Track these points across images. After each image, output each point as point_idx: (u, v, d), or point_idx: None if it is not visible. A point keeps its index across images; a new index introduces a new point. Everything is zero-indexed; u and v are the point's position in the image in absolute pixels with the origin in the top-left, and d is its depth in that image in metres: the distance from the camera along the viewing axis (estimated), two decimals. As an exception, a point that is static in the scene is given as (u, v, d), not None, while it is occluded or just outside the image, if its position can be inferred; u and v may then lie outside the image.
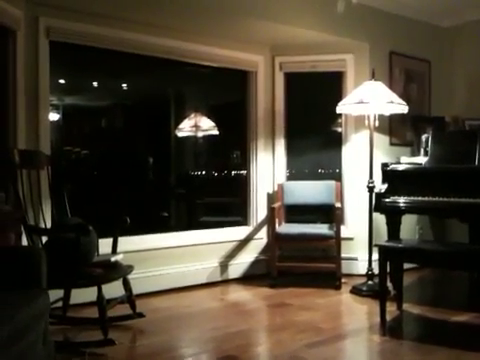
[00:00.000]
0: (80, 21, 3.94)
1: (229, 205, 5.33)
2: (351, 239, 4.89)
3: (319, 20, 4.71)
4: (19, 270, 2.34)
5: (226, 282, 4.72)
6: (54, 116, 4.19)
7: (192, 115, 5.32)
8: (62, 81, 4.25)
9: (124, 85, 4.85)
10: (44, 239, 3.30)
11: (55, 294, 3.17)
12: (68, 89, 4.43)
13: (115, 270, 3.25)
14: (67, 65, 4.16)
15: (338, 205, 4.63)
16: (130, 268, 3.37)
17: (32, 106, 3.78)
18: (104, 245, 3.48)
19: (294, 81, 5.16)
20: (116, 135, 4.72)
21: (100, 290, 3.01)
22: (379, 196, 4.11)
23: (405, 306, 3.78)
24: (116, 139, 4.68)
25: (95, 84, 4.66)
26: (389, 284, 3.78)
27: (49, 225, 3.52)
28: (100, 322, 3.02)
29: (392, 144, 5.17)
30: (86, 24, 3.98)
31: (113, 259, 3.31)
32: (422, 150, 5.01)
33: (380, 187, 4.17)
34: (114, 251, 3.47)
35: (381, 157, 4.74)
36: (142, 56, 4.39)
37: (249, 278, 4.81)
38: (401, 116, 4.72)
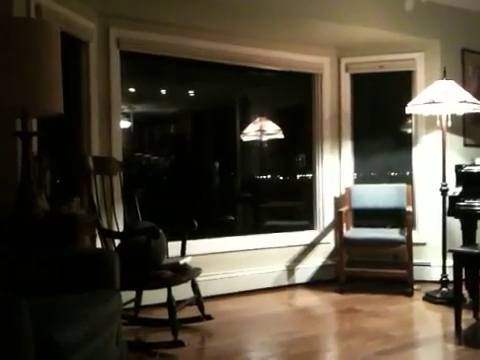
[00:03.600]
0: (148, 31, 4.06)
1: (295, 209, 5.30)
2: (423, 244, 4.71)
3: (386, 18, 4.59)
4: (93, 272, 2.42)
5: (293, 286, 4.68)
6: (125, 124, 4.34)
7: (257, 119, 5.34)
8: (132, 90, 4.39)
9: (191, 92, 4.96)
10: (117, 242, 3.41)
11: (127, 295, 3.27)
12: (138, 97, 4.57)
13: (184, 273, 3.31)
14: (137, 74, 4.30)
15: (409, 209, 4.48)
16: (198, 271, 3.42)
17: (105, 114, 3.93)
18: (173, 248, 3.55)
19: (361, 82, 5.06)
20: (184, 141, 4.83)
21: (170, 292, 3.08)
22: (453, 199, 3.95)
23: (481, 315, 3.60)
24: (184, 145, 4.78)
25: (163, 92, 4.78)
26: (464, 291, 3.60)
27: (121, 229, 3.63)
28: (170, 323, 3.08)
29: (466, 145, 4.94)
30: (154, 33, 4.09)
31: (182, 262, 3.38)
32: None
33: (454, 190, 4.00)
34: (183, 254, 3.54)
35: (455, 159, 4.53)
36: (208, 63, 4.47)
37: (316, 283, 4.75)
38: (476, 116, 4.50)
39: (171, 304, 3.08)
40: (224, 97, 5.02)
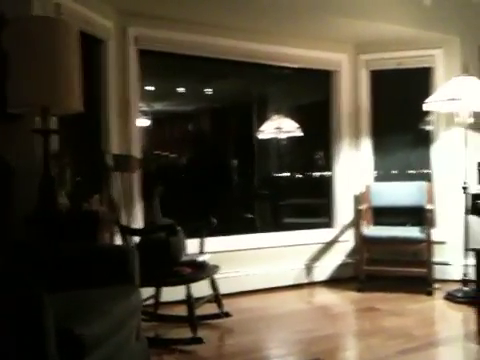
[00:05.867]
0: (166, 29, 4.08)
1: (313, 206, 5.27)
2: (444, 243, 4.65)
3: (405, 14, 4.54)
4: (113, 268, 2.44)
5: (312, 284, 4.66)
6: (144, 121, 4.36)
7: (275, 116, 5.32)
8: (151, 88, 4.41)
9: (209, 89, 4.96)
10: (137, 239, 3.43)
11: (146, 292, 3.28)
12: (157, 95, 4.59)
13: (203, 270, 3.32)
14: (155, 72, 4.32)
15: (429, 207, 4.42)
16: (217, 268, 3.43)
17: (123, 112, 3.96)
18: (192, 245, 3.56)
19: (380, 79, 5.01)
20: (202, 138, 4.84)
21: (189, 289, 3.09)
22: (474, 197, 3.88)
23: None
24: (202, 142, 4.79)
25: (182, 90, 4.80)
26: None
27: (141, 226, 3.65)
28: (189, 320, 3.09)
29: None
30: (171, 31, 4.10)
31: (200, 259, 3.38)
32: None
33: (475, 188, 3.93)
34: (201, 251, 3.54)
35: (476, 156, 4.46)
36: (226, 60, 4.47)
37: (335, 281, 4.72)
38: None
39: (190, 301, 3.09)
40: (242, 95, 5.01)
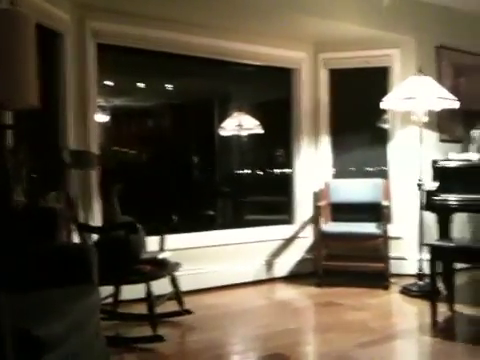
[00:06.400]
0: (126, 23, 4.01)
1: (274, 203, 5.31)
2: (400, 238, 4.78)
3: (363, 14, 4.63)
4: (71, 266, 2.39)
5: (272, 280, 4.70)
6: (103, 117, 4.28)
7: (236, 114, 5.33)
8: (110, 83, 4.34)
9: (170, 85, 4.92)
10: (96, 237, 3.37)
11: (106, 290, 3.24)
12: (116, 91, 4.52)
13: (163, 267, 3.30)
14: (115, 67, 4.25)
15: (386, 203, 4.53)
16: (177, 265, 3.41)
17: (81, 107, 3.88)
18: (153, 243, 3.53)
19: (339, 77, 5.09)
20: (163, 135, 4.79)
21: (149, 286, 3.06)
22: (429, 194, 4.00)
23: (457, 307, 3.65)
24: (163, 139, 4.74)
25: (142, 85, 4.74)
26: (440, 284, 3.67)
27: (99, 223, 3.59)
28: (149, 318, 3.07)
29: (441, 140, 5.02)
30: (132, 26, 4.04)
31: (161, 256, 3.36)
32: (472, 146, 4.83)
33: (430, 185, 4.06)
34: (162, 249, 3.52)
35: (430, 154, 4.60)
36: (187, 56, 4.45)
37: (295, 277, 4.78)
38: (450, 111, 4.56)
39: (150, 299, 3.06)
40: (204, 91, 5.00)
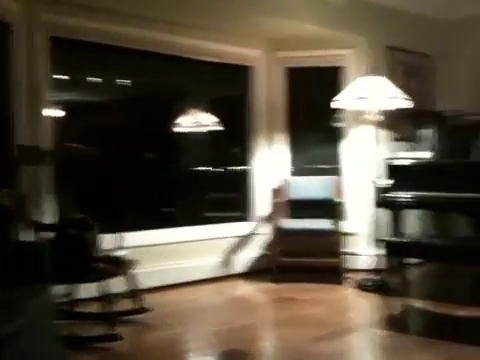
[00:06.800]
0: (81, 16, 3.91)
1: (232, 200, 5.32)
2: (354, 234, 4.89)
3: (317, 14, 4.71)
4: (24, 265, 2.33)
5: (230, 277, 4.71)
6: (55, 112, 4.18)
7: (193, 110, 5.30)
8: (63, 77, 4.23)
9: (125, 81, 4.84)
10: (51, 235, 3.29)
11: (61, 289, 3.17)
12: (71, 85, 4.41)
13: (120, 265, 3.26)
14: (68, 61, 4.14)
15: (340, 200, 4.63)
16: (134, 263, 3.37)
17: (32, 102, 3.76)
18: (109, 241, 3.47)
19: (295, 76, 5.15)
20: (119, 131, 4.70)
21: (105, 285, 3.01)
22: (381, 191, 4.11)
23: (409, 301, 3.77)
24: (119, 135, 4.66)
25: (96, 80, 4.63)
26: (393, 279, 3.78)
27: (53, 221, 3.51)
28: (106, 317, 3.02)
29: (392, 139, 5.16)
30: (87, 19, 3.95)
31: (117, 254, 3.32)
32: (422, 145, 4.99)
33: (383, 182, 4.16)
34: (118, 246, 3.47)
35: (382, 152, 4.72)
36: (143, 52, 4.40)
37: (253, 273, 4.81)
38: (400, 111, 4.69)
39: (107, 297, 3.02)
40: (161, 87, 4.93)
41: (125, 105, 4.83)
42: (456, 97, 5.45)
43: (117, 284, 3.27)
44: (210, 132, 5.22)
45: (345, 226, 4.58)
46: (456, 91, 5.50)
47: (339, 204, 4.55)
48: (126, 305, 3.44)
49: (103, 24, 4.04)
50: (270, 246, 4.93)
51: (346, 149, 5.09)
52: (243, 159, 5.21)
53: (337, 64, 5.12)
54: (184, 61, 4.72)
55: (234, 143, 5.42)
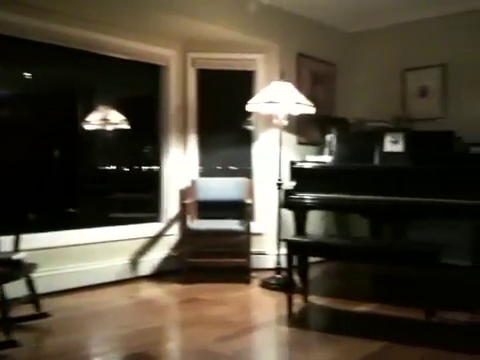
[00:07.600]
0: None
1: (140, 201, 5.25)
2: (261, 234, 5.02)
3: (230, 18, 4.78)
4: None
5: (137, 279, 4.65)
6: None
7: (102, 108, 5.16)
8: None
9: (29, 74, 4.61)
10: None
11: None
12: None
13: (18, 268, 3.11)
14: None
15: (248, 201, 4.73)
16: (34, 266, 3.25)
17: None
18: (6, 243, 3.31)
19: (207, 78, 5.19)
20: (19, 127, 4.46)
21: (1, 289, 2.87)
22: (287, 193, 4.26)
23: (311, 298, 3.94)
24: (19, 131, 4.42)
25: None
26: (296, 277, 3.92)
27: None
28: (2, 323, 2.88)
29: (299, 143, 5.37)
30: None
31: (15, 257, 3.16)
32: (327, 149, 5.22)
33: (288, 184, 4.31)
34: (17, 249, 3.31)
35: (289, 155, 4.90)
36: (50, 45, 4.23)
37: (160, 275, 4.78)
38: (308, 116, 4.89)
39: (3, 302, 2.87)
40: (67, 82, 4.74)
41: (28, 100, 4.60)
42: (354, 104, 5.79)
43: (15, 288, 3.13)
44: (121, 131, 5.12)
45: (253, 226, 4.69)
46: (354, 98, 5.84)
47: (248, 205, 4.64)
48: (25, 310, 3.29)
49: (7, 14, 3.84)
50: (179, 247, 4.94)
51: (256, 151, 5.21)
52: (154, 159, 5.16)
53: (248, 68, 5.23)
54: (94, 57, 4.58)
55: (146, 143, 5.35)
